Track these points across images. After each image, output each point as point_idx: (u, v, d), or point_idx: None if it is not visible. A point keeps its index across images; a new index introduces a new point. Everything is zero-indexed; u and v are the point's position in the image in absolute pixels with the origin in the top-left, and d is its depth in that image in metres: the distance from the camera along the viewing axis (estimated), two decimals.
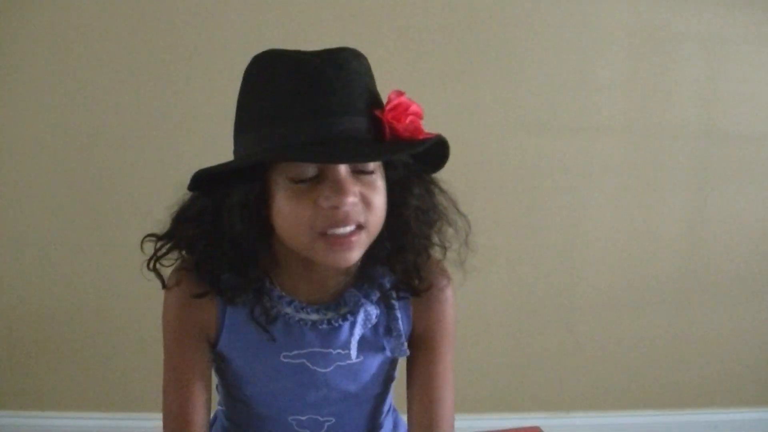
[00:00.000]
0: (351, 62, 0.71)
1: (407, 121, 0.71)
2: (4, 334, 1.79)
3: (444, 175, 1.88)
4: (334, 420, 0.86)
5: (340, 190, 0.68)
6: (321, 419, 0.85)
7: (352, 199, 0.69)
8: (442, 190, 0.81)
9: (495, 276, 1.82)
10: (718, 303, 1.93)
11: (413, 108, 0.72)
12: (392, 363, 0.88)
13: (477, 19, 1.72)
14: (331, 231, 0.70)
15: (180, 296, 0.80)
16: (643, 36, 1.78)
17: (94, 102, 1.68)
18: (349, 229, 0.70)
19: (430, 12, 1.69)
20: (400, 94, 0.72)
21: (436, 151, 0.76)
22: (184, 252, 0.80)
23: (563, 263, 1.87)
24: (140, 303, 1.70)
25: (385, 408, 0.93)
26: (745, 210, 1.90)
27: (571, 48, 1.76)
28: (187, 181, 0.73)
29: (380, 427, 0.93)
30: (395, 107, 0.71)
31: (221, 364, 0.85)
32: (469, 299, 1.84)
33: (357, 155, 0.69)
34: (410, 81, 1.68)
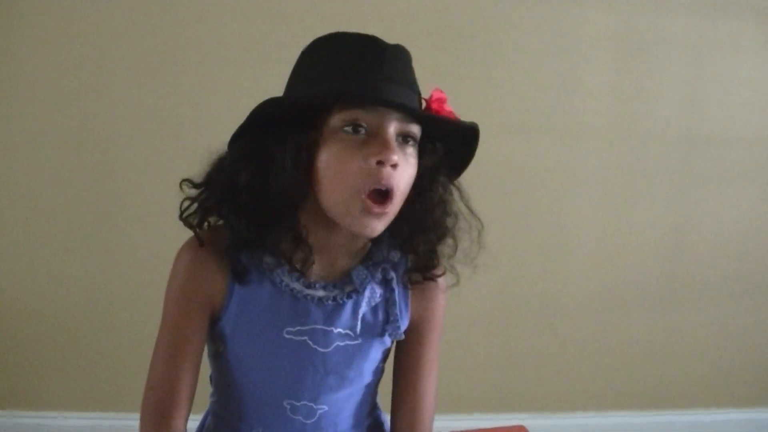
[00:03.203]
0: (407, 53, 0.80)
1: (446, 113, 0.80)
2: (0, 334, 1.81)
3: None
4: (327, 408, 0.87)
5: (387, 145, 0.73)
6: (315, 407, 0.86)
7: (396, 157, 0.73)
8: (460, 191, 0.87)
9: (480, 277, 1.82)
10: (700, 304, 1.97)
11: (450, 109, 0.81)
12: (384, 353, 0.91)
13: (463, 24, 1.76)
14: (372, 187, 0.74)
15: (193, 260, 0.82)
16: (627, 41, 1.82)
17: (93, 103, 1.71)
18: (388, 185, 0.74)
19: (418, 16, 1.73)
20: (441, 92, 0.81)
21: (464, 143, 0.83)
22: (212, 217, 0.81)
23: (548, 265, 1.90)
24: (138, 303, 1.72)
25: (371, 404, 0.96)
26: (727, 213, 1.94)
27: (556, 53, 1.80)
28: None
29: (365, 424, 0.95)
30: (438, 99, 0.80)
31: (219, 345, 0.86)
32: (453, 300, 1.86)
33: (407, 105, 0.74)
34: None
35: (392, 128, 0.74)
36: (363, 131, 0.74)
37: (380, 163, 0.73)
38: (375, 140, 0.73)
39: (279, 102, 0.76)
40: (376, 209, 0.74)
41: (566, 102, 1.83)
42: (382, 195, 0.75)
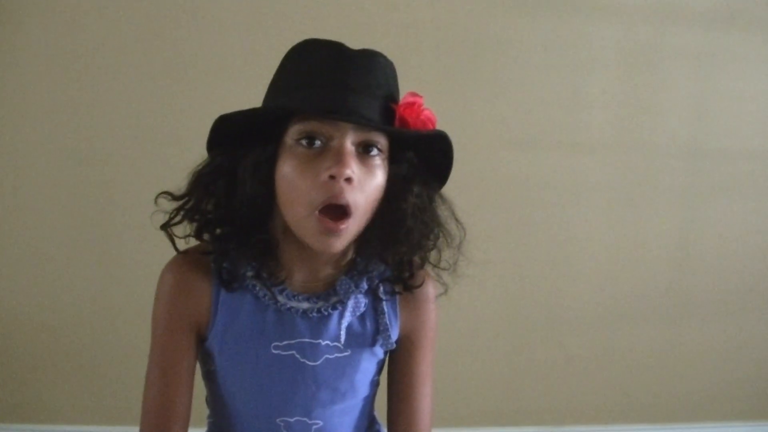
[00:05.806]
0: (379, 57, 0.77)
1: (418, 118, 0.76)
2: (2, 347, 1.81)
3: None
4: (321, 424, 0.86)
5: (340, 160, 0.71)
6: (309, 422, 0.85)
7: (349, 171, 0.71)
8: (443, 199, 0.83)
9: (485, 291, 1.84)
10: (707, 317, 1.96)
11: (426, 113, 0.77)
12: (378, 366, 0.90)
13: (469, 37, 1.76)
14: (326, 202, 0.72)
15: (176, 280, 0.82)
16: (633, 54, 1.82)
17: (93, 112, 1.71)
18: (342, 202, 0.72)
19: (423, 30, 1.73)
20: (415, 95, 0.77)
21: (439, 151, 0.79)
22: (193, 226, 0.81)
23: (554, 278, 1.89)
24: (141, 316, 1.71)
25: (369, 419, 0.95)
26: (734, 226, 1.93)
27: (562, 65, 1.80)
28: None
29: None
30: (410, 104, 0.76)
31: (210, 364, 0.85)
32: (460, 313, 1.87)
33: (360, 119, 0.72)
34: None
35: (349, 139, 0.73)
36: (319, 143, 0.73)
37: (333, 177, 0.71)
38: (329, 153, 0.72)
39: (227, 119, 0.75)
40: (332, 226, 0.73)
41: (572, 115, 1.82)
42: (339, 211, 0.73)
